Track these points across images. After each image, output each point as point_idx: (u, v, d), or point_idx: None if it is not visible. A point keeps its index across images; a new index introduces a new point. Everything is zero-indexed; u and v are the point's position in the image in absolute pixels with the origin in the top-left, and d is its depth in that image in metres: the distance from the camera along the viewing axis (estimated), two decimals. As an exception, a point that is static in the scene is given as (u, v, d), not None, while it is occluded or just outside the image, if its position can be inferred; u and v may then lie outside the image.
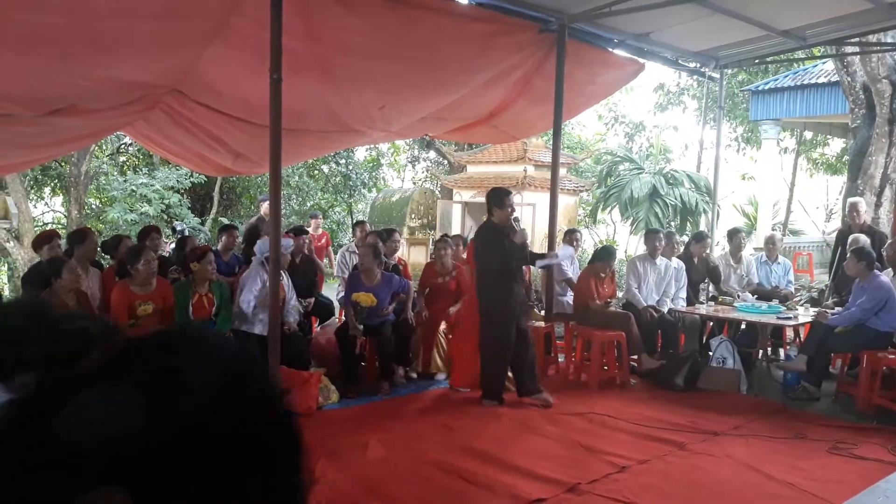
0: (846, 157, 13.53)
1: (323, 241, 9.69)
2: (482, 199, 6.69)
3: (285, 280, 6.06)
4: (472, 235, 6.62)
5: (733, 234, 7.98)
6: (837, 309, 6.48)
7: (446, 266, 6.91)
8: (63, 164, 14.69)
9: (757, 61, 8.55)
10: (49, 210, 18.46)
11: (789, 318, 6.49)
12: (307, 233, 7.82)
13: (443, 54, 5.74)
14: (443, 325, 6.65)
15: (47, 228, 13.11)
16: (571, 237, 7.99)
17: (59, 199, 17.77)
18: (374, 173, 20.28)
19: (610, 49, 7.08)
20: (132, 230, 12.06)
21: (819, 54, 12.52)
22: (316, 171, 18.28)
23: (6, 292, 14.15)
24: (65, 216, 15.87)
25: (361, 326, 6.10)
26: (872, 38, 7.98)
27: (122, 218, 13.56)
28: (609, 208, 17.74)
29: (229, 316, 5.85)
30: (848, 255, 6.31)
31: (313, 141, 7.33)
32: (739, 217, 20.22)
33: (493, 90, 6.77)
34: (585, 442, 4.82)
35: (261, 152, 6.03)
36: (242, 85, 5.58)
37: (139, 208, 13.91)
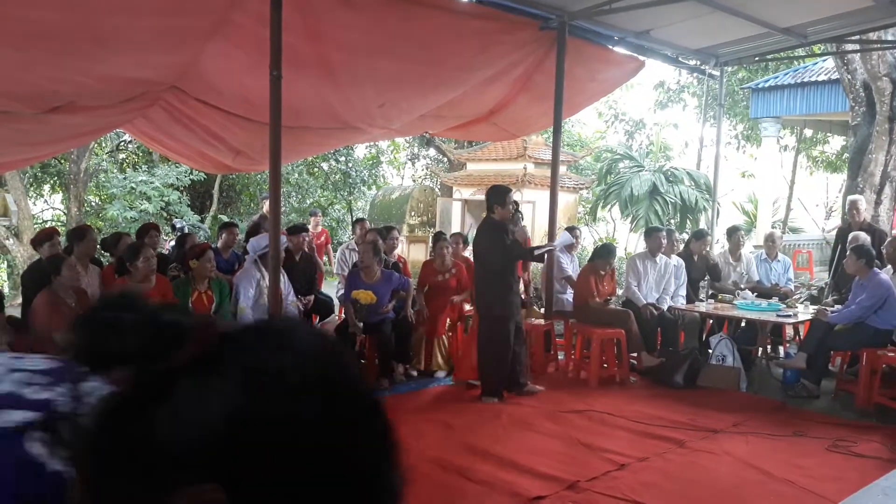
0: (846, 155, 13.53)
1: (322, 238, 9.68)
2: (482, 197, 6.69)
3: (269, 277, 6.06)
4: (471, 233, 6.63)
5: (732, 232, 7.99)
6: (837, 307, 6.48)
7: (445, 264, 6.91)
8: (62, 161, 14.69)
9: (757, 59, 8.55)
10: (48, 207, 18.47)
11: (789, 316, 6.49)
12: (306, 230, 7.81)
13: (443, 51, 5.74)
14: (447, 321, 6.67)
15: (47, 226, 13.10)
16: (571, 233, 8.00)
17: (58, 197, 17.78)
18: (373, 171, 20.28)
19: (610, 46, 7.08)
20: (132, 227, 12.06)
21: (819, 52, 12.51)
22: (316, 169, 18.27)
23: (5, 289, 14.15)
24: (64, 213, 15.87)
25: (361, 324, 6.10)
26: (873, 36, 7.98)
27: (122, 215, 13.55)
28: (609, 206, 17.74)
29: (229, 314, 5.84)
30: (848, 253, 6.31)
31: (313, 138, 7.32)
32: (739, 215, 20.23)
33: (494, 87, 6.76)
34: (585, 439, 4.82)
35: (260, 149, 6.03)
36: (242, 82, 5.58)
37: (139, 206, 13.90)
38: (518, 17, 6.00)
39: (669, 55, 7.82)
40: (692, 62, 8.49)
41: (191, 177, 14.49)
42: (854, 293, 6.12)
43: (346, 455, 0.57)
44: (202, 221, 15.22)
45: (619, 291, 7.71)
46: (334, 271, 9.08)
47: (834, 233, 9.75)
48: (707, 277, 7.74)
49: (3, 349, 5.08)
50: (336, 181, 18.47)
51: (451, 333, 6.77)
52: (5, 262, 15.06)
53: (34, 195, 16.95)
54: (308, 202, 17.44)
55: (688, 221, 16.01)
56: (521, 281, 6.66)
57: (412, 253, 13.48)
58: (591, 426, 5.16)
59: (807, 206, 21.69)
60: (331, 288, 8.79)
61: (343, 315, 6.69)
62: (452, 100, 6.71)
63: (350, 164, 18.33)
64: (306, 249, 7.34)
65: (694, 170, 17.77)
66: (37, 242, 6.15)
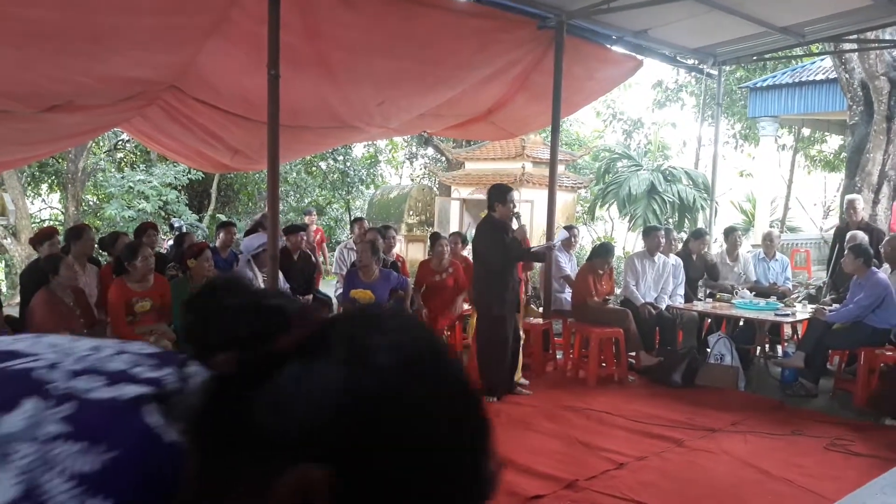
0: (844, 154, 13.55)
1: (317, 237, 9.68)
2: (480, 196, 6.70)
3: (261, 277, 6.05)
4: (470, 232, 6.63)
5: (729, 233, 8.01)
6: (835, 306, 6.49)
7: (442, 263, 6.91)
8: (60, 160, 14.68)
9: (755, 58, 8.56)
10: (46, 206, 18.46)
11: (787, 315, 6.50)
12: (304, 229, 7.81)
13: (441, 50, 5.74)
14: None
15: (44, 225, 13.09)
16: (569, 231, 8.02)
17: (56, 196, 17.76)
18: (371, 170, 20.28)
19: (608, 46, 7.08)
20: (130, 227, 12.05)
21: (817, 51, 12.53)
22: (314, 168, 18.27)
23: (3, 288, 14.14)
24: (62, 213, 15.86)
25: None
26: (871, 35, 7.98)
27: (120, 214, 13.55)
28: (607, 205, 17.75)
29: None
30: (846, 252, 6.32)
31: (311, 137, 7.32)
32: (737, 214, 20.25)
33: (492, 87, 6.76)
34: (583, 438, 4.82)
35: (259, 149, 6.03)
36: (240, 81, 5.58)
37: (137, 205, 13.89)
38: (516, 16, 5.99)
39: (667, 54, 7.82)
40: (690, 61, 8.49)
41: (189, 176, 14.49)
42: (852, 292, 6.13)
43: (448, 438, 0.58)
44: (200, 221, 15.22)
45: (618, 290, 7.71)
46: (332, 270, 9.08)
47: (832, 232, 9.76)
48: (705, 276, 7.74)
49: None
50: (334, 180, 18.46)
51: (449, 333, 6.77)
52: (3, 262, 15.05)
53: (32, 194, 16.93)
54: (306, 201, 17.43)
55: (686, 221, 16.02)
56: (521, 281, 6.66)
57: (410, 252, 13.48)
58: (590, 425, 5.16)
59: (805, 206, 21.71)
60: (329, 287, 8.79)
61: (341, 314, 6.68)
62: (451, 99, 6.71)
63: (348, 164, 18.32)
64: (305, 249, 7.34)
65: (692, 169, 17.78)
66: (36, 241, 6.15)
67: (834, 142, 19.39)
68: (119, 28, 4.42)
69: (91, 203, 16.20)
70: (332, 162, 18.15)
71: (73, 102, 5.45)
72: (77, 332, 4.93)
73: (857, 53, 9.52)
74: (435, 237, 7.44)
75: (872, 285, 5.90)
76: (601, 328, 6.47)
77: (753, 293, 7.19)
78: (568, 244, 7.58)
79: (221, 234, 7.39)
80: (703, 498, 3.98)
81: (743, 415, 5.44)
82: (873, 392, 5.64)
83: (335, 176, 18.44)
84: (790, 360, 6.37)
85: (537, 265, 7.70)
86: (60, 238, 6.32)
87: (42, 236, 6.12)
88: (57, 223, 14.95)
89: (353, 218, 12.03)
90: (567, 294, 7.29)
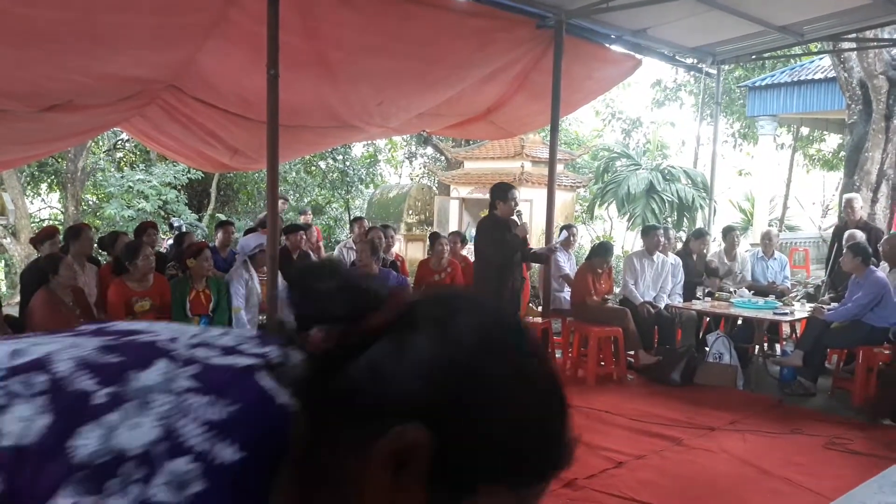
0: (843, 153, 13.56)
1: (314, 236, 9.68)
2: (480, 196, 6.71)
3: (257, 278, 6.06)
4: (469, 231, 6.65)
5: (727, 232, 8.03)
6: (833, 305, 6.50)
7: (441, 263, 6.92)
8: (60, 160, 14.68)
9: (754, 57, 8.56)
10: (46, 206, 18.45)
11: (785, 314, 6.51)
12: (303, 229, 7.81)
13: (440, 50, 5.74)
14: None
15: (44, 225, 13.09)
16: (568, 231, 8.03)
17: (55, 196, 17.75)
18: (371, 169, 20.28)
19: (607, 45, 7.08)
20: (129, 226, 12.05)
21: (816, 50, 12.55)
22: (313, 167, 18.27)
23: (3, 288, 14.14)
24: (62, 212, 15.86)
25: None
26: (869, 34, 7.99)
27: (119, 214, 13.55)
28: (606, 204, 17.75)
29: (227, 313, 5.85)
30: (844, 251, 6.33)
31: (310, 137, 7.33)
32: (736, 213, 20.26)
33: (491, 86, 6.77)
34: (583, 437, 4.82)
35: (258, 148, 6.03)
36: (240, 80, 5.58)
37: (136, 204, 13.90)
38: (515, 16, 6.00)
39: (666, 54, 7.83)
40: (689, 60, 8.50)
41: (188, 175, 14.49)
42: (850, 291, 6.15)
43: (532, 406, 0.64)
44: (200, 220, 15.22)
45: (617, 290, 7.72)
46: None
47: (830, 231, 9.77)
48: (704, 276, 7.75)
49: None
50: (333, 180, 18.46)
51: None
52: (2, 261, 15.05)
53: (31, 194, 16.92)
54: (306, 201, 17.43)
55: (685, 220, 16.03)
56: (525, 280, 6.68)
57: (410, 251, 13.49)
58: (589, 424, 5.17)
59: (803, 205, 21.74)
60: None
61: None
62: (450, 98, 6.72)
63: (348, 163, 18.32)
64: (306, 249, 7.34)
65: (691, 168, 17.79)
66: (37, 241, 6.16)
67: (832, 141, 19.42)
68: (118, 27, 4.42)
69: (91, 202, 16.20)
70: (331, 161, 18.14)
71: (73, 102, 5.45)
72: (77, 331, 4.94)
73: (855, 52, 9.53)
74: (434, 237, 7.45)
75: (871, 284, 5.92)
76: (600, 327, 6.48)
77: (752, 292, 7.20)
78: (567, 243, 7.60)
79: (219, 234, 7.40)
80: (703, 496, 3.99)
81: (742, 413, 5.45)
82: (869, 396, 5.66)
83: (334, 175, 18.43)
84: (789, 359, 6.39)
85: (536, 265, 7.71)
86: (61, 238, 6.33)
87: (43, 236, 6.13)
88: (56, 223, 14.94)
89: (352, 217, 12.03)
90: (566, 293, 7.30)
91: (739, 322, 7.20)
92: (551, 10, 6.17)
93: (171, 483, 0.56)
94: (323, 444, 0.64)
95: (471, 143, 15.43)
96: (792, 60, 15.04)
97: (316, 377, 0.65)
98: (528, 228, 6.36)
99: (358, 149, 19.78)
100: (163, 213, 14.39)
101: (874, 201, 9.83)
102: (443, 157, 18.13)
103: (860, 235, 6.89)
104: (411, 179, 21.70)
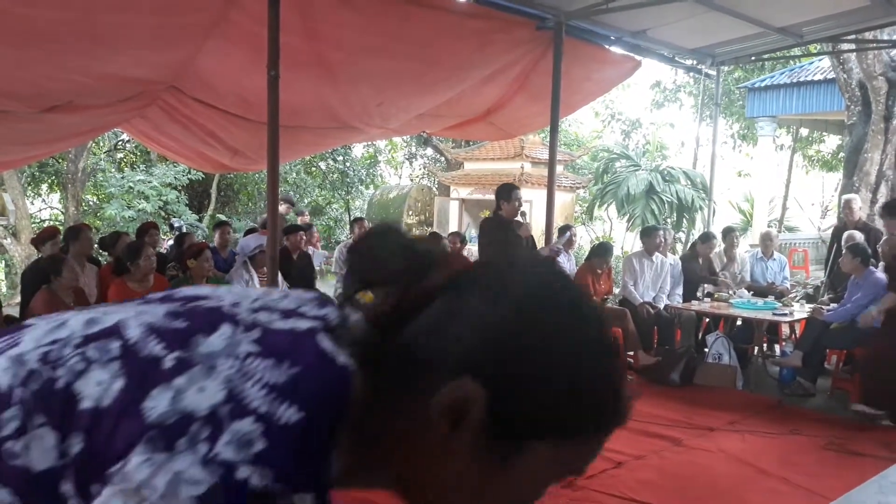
0: (842, 154, 13.56)
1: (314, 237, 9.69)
2: (479, 196, 6.72)
3: (257, 279, 6.07)
4: (469, 232, 6.67)
5: (727, 233, 8.03)
6: (833, 305, 6.51)
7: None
8: (60, 160, 14.69)
9: (753, 58, 8.57)
10: (46, 207, 18.46)
11: (785, 315, 6.52)
12: (303, 229, 7.83)
13: (441, 51, 5.75)
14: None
15: (44, 225, 13.10)
16: (568, 231, 8.06)
17: (56, 196, 17.76)
18: (371, 170, 20.30)
19: (607, 46, 7.09)
20: (130, 227, 12.06)
21: (815, 51, 12.57)
22: (313, 168, 18.28)
23: (3, 288, 14.15)
24: (62, 213, 15.87)
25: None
26: (869, 36, 8.00)
27: (120, 215, 13.56)
28: (605, 205, 17.75)
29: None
30: (843, 252, 6.34)
31: (311, 138, 7.33)
32: (735, 214, 20.26)
33: (491, 87, 6.77)
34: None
35: (258, 149, 6.04)
36: (240, 81, 5.59)
37: (137, 205, 13.91)
38: (515, 17, 6.01)
39: (666, 55, 7.83)
40: (689, 62, 8.51)
41: (189, 176, 14.50)
42: (849, 292, 6.16)
43: (587, 362, 0.65)
44: (200, 221, 15.23)
45: (616, 290, 7.73)
46: (332, 270, 9.10)
47: (829, 232, 9.78)
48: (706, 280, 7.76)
49: None
50: (334, 180, 18.47)
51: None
52: (3, 262, 15.05)
53: (32, 194, 16.93)
54: (306, 201, 17.45)
55: (684, 220, 16.04)
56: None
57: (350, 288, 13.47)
58: (589, 424, 5.17)
59: (802, 205, 21.73)
60: (328, 287, 8.80)
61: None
62: (450, 99, 6.72)
63: (348, 164, 18.33)
64: (305, 249, 7.35)
65: (690, 169, 17.79)
66: (39, 241, 6.17)
67: (832, 142, 19.42)
68: (118, 28, 4.43)
69: (91, 203, 16.21)
70: (331, 162, 18.16)
71: (73, 103, 5.46)
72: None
73: (854, 54, 9.54)
74: (434, 238, 7.46)
75: (870, 285, 5.93)
76: (600, 328, 6.47)
77: (751, 293, 7.21)
78: (567, 244, 7.61)
79: (217, 235, 7.42)
80: (702, 496, 4.00)
81: (741, 414, 5.46)
82: (861, 388, 5.69)
83: (335, 176, 18.45)
84: (788, 360, 6.39)
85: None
86: (62, 238, 6.34)
87: (44, 236, 6.14)
88: (57, 223, 14.96)
89: (353, 218, 12.04)
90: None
91: (739, 323, 7.21)
92: (551, 12, 6.18)
93: (235, 442, 0.59)
94: (382, 402, 0.67)
95: (470, 143, 15.45)
96: (791, 62, 15.05)
97: (375, 338, 0.68)
98: (531, 227, 6.39)
99: (358, 150, 19.80)
100: (163, 213, 14.40)
101: (873, 202, 9.84)
102: (443, 158, 18.14)
103: (859, 236, 6.90)
104: (411, 180, 21.72)
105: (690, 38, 7.29)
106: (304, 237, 7.52)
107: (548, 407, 0.63)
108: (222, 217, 14.02)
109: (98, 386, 0.64)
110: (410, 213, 15.00)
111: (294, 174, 16.89)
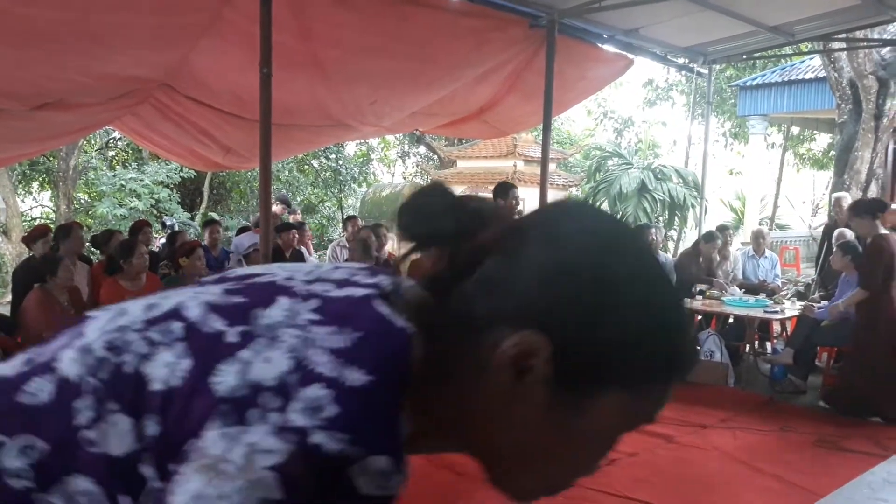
0: (832, 153, 13.63)
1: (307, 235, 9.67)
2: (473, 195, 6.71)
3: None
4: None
5: (721, 231, 8.05)
6: (824, 303, 6.54)
7: (435, 261, 6.94)
8: (51, 158, 14.62)
9: (745, 57, 8.60)
10: (37, 205, 18.37)
11: (776, 312, 6.55)
12: (296, 227, 7.81)
13: (434, 49, 5.75)
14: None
15: (36, 223, 13.04)
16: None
17: (47, 194, 17.68)
18: (364, 168, 20.27)
19: (599, 45, 7.10)
20: (121, 225, 12.02)
21: (806, 50, 12.63)
22: (306, 166, 18.25)
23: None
24: (53, 211, 15.79)
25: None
26: (859, 34, 8.04)
27: (112, 213, 13.51)
28: (598, 203, 17.80)
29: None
30: (834, 250, 6.37)
31: (303, 136, 7.32)
32: (727, 212, 20.34)
33: (484, 85, 6.78)
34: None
35: (251, 147, 6.02)
36: (233, 79, 5.57)
37: (128, 203, 13.86)
38: (509, 15, 6.01)
39: (658, 53, 7.85)
40: (681, 60, 8.53)
41: (181, 174, 14.46)
42: (840, 289, 6.19)
43: (648, 308, 0.64)
44: (192, 219, 15.19)
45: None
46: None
47: (820, 230, 9.83)
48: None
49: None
50: (326, 178, 18.45)
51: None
52: (-7, 260, 14.96)
53: (23, 192, 16.85)
54: (298, 199, 17.42)
55: (676, 219, 16.09)
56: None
57: (402, 250, 13.49)
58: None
59: (794, 203, 21.82)
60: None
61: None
62: (443, 97, 6.72)
63: (340, 162, 18.31)
64: (298, 246, 7.34)
65: (682, 167, 17.87)
66: (30, 240, 6.14)
67: (823, 140, 19.51)
68: (112, 26, 4.41)
69: (83, 201, 16.15)
70: (324, 160, 18.13)
71: (65, 100, 5.43)
72: (71, 331, 4.93)
73: (845, 52, 9.59)
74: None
75: (860, 282, 5.95)
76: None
77: (743, 290, 7.24)
78: None
79: (206, 233, 7.40)
80: (694, 494, 4.02)
81: (733, 411, 5.48)
82: (830, 387, 5.76)
83: (327, 174, 18.42)
84: (779, 357, 6.42)
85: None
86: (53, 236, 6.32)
87: (35, 235, 6.11)
88: (48, 221, 14.89)
89: (346, 216, 12.03)
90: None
91: (730, 320, 7.23)
92: (544, 10, 6.18)
93: (305, 409, 0.59)
94: (443, 364, 0.66)
95: (463, 142, 15.45)
96: (782, 60, 15.11)
97: (429, 300, 0.68)
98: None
99: (351, 147, 19.78)
100: (155, 211, 14.35)
101: (864, 200, 9.89)
102: (435, 156, 18.14)
103: (850, 234, 6.92)
104: (404, 178, 21.71)
105: (682, 37, 7.31)
106: (297, 235, 7.50)
107: (617, 353, 0.62)
108: (214, 215, 13.99)
109: (166, 367, 0.65)
110: (403, 211, 14.99)
111: (287, 172, 16.86)
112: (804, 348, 6.20)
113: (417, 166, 21.51)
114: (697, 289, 7.61)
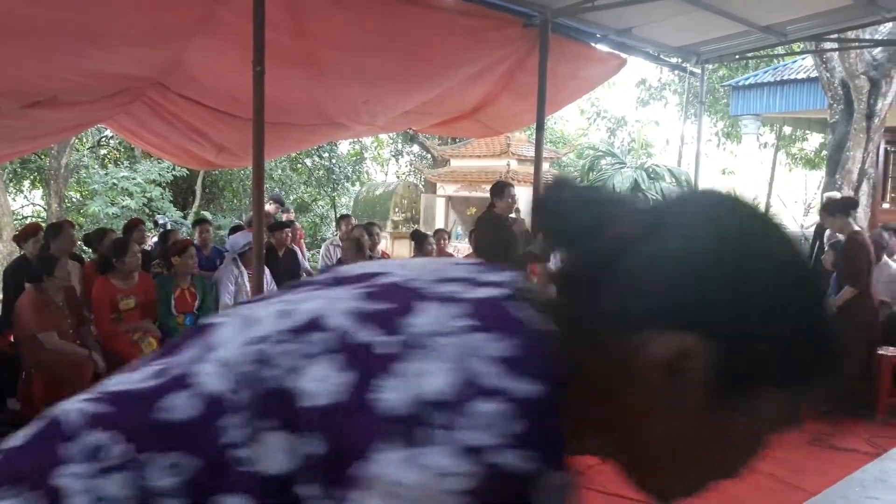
0: (824, 152, 13.68)
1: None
2: (466, 194, 6.73)
3: (247, 275, 6.06)
4: (455, 230, 6.69)
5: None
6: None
7: (429, 260, 6.94)
8: (43, 156, 14.55)
9: (738, 57, 8.62)
10: (28, 203, 18.28)
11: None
12: (289, 226, 7.80)
13: (428, 48, 5.75)
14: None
15: (27, 222, 12.98)
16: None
17: (38, 193, 17.60)
18: (357, 167, 20.24)
19: (592, 44, 7.11)
20: (114, 224, 11.98)
21: (799, 50, 12.68)
22: (299, 165, 18.21)
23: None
24: (45, 209, 15.72)
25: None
26: (851, 35, 8.07)
27: (104, 211, 13.46)
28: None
29: (212, 311, 5.83)
30: (825, 249, 6.39)
31: (297, 134, 7.31)
32: (720, 211, 20.39)
33: (478, 84, 6.78)
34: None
35: (244, 146, 6.01)
36: (226, 78, 5.56)
37: (121, 202, 13.81)
38: (503, 15, 6.01)
39: (651, 53, 7.86)
40: (673, 60, 8.54)
41: (173, 173, 14.40)
42: (832, 288, 6.20)
43: (801, 305, 0.60)
44: (185, 218, 15.14)
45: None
46: (319, 266, 9.08)
47: (812, 229, 9.86)
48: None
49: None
50: (320, 177, 18.42)
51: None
52: (-16, 259, 14.89)
53: (14, 191, 16.76)
54: (291, 198, 17.39)
55: (669, 218, 16.14)
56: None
57: (396, 249, 13.49)
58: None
59: (786, 203, 21.90)
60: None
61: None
62: (437, 96, 6.72)
63: (334, 161, 18.28)
64: (291, 245, 7.33)
65: (675, 167, 17.86)
66: (21, 238, 6.12)
67: (815, 140, 19.59)
68: (104, 24, 4.39)
69: (74, 200, 16.08)
70: (317, 159, 18.10)
71: (57, 98, 5.41)
72: (65, 331, 4.91)
73: (837, 53, 9.62)
74: (419, 236, 7.46)
75: (852, 282, 5.97)
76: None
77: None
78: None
79: (196, 233, 7.39)
80: (687, 492, 4.02)
81: (726, 410, 5.49)
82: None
83: (320, 173, 18.39)
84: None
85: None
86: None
87: (26, 233, 6.09)
88: (40, 220, 14.82)
89: (339, 215, 12.02)
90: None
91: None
92: (537, 9, 6.18)
93: (482, 425, 0.55)
94: (589, 364, 0.63)
95: (457, 141, 15.45)
96: (775, 60, 15.15)
97: (567, 300, 0.65)
98: (526, 223, 6.44)
99: (344, 146, 19.75)
100: (147, 210, 14.30)
101: (856, 200, 9.93)
102: (429, 155, 18.14)
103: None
104: (398, 177, 21.69)
105: (675, 37, 7.32)
106: (290, 234, 7.49)
107: (776, 351, 0.59)
108: (207, 214, 13.96)
109: (320, 381, 0.60)
110: (397, 210, 14.98)
111: (280, 171, 16.82)
112: (796, 347, 6.20)
113: (411, 165, 21.50)
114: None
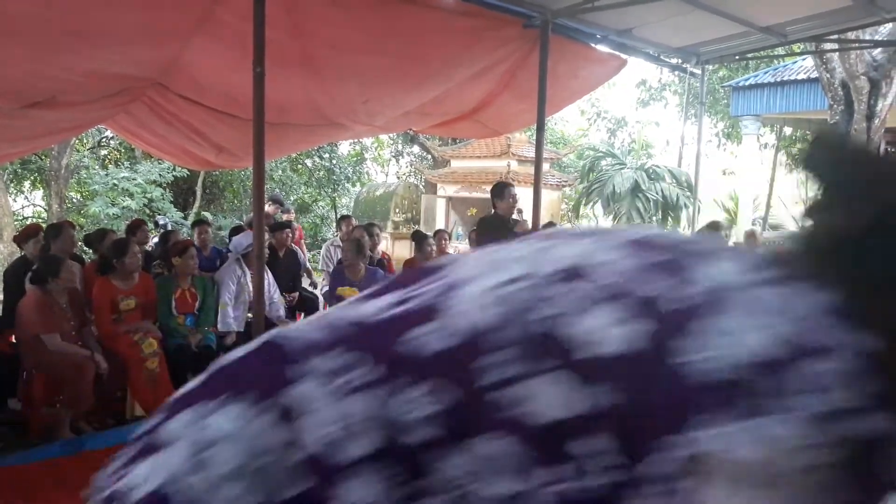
0: (825, 153, 13.65)
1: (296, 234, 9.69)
2: (466, 194, 6.73)
3: (250, 276, 6.07)
4: (455, 230, 6.69)
5: (712, 228, 8.08)
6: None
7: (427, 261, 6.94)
8: (43, 157, 14.56)
9: (738, 57, 8.62)
10: (29, 204, 18.30)
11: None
12: (289, 227, 7.81)
13: (428, 49, 5.75)
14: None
15: (27, 223, 13.00)
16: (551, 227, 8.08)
17: (39, 193, 17.62)
18: (357, 168, 20.27)
19: (592, 45, 7.12)
20: (114, 224, 12.00)
21: (799, 51, 12.68)
22: (299, 166, 18.23)
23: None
24: (45, 210, 15.74)
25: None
26: (851, 35, 8.07)
27: (104, 212, 13.47)
28: (591, 203, 17.84)
29: (212, 311, 5.84)
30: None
31: (297, 135, 7.32)
32: (720, 212, 20.39)
33: (478, 85, 6.78)
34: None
35: (244, 146, 6.01)
36: (226, 78, 5.57)
37: (121, 202, 13.82)
38: (503, 15, 6.01)
39: (651, 53, 7.87)
40: (674, 60, 8.55)
41: (174, 173, 14.42)
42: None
43: None
44: (185, 218, 15.15)
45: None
46: (319, 267, 9.09)
47: (813, 230, 9.86)
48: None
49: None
50: (320, 178, 18.43)
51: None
52: (-16, 260, 14.91)
53: (14, 192, 16.78)
54: (292, 199, 17.41)
55: (669, 218, 16.14)
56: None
57: (397, 250, 13.49)
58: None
59: (786, 204, 21.90)
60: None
61: (327, 312, 6.69)
62: (437, 97, 6.73)
63: (334, 161, 18.30)
64: (292, 245, 7.34)
65: (675, 167, 17.90)
66: (21, 239, 6.12)
67: (815, 140, 19.53)
68: (103, 24, 4.40)
69: (75, 200, 16.09)
70: (317, 160, 18.12)
71: (56, 99, 5.41)
72: (67, 333, 4.92)
73: (837, 53, 9.62)
74: (420, 237, 7.46)
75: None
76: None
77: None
78: None
79: (195, 234, 7.40)
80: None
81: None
82: None
83: (321, 174, 18.41)
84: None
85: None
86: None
87: (27, 234, 6.09)
88: (40, 220, 14.85)
89: (340, 216, 12.03)
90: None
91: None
92: (537, 10, 6.19)
93: (827, 387, 0.48)
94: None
95: (457, 141, 15.46)
96: (775, 61, 15.17)
97: (842, 259, 0.57)
98: (528, 224, 6.46)
99: (344, 147, 19.77)
100: (148, 211, 14.31)
101: (856, 201, 9.94)
102: (429, 156, 18.15)
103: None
104: (398, 178, 21.71)
105: (676, 37, 7.33)
106: (290, 234, 7.50)
107: None
108: (208, 215, 13.97)
109: (601, 330, 0.54)
110: (397, 210, 14.99)
111: (280, 172, 16.84)
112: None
113: (411, 166, 21.51)
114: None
